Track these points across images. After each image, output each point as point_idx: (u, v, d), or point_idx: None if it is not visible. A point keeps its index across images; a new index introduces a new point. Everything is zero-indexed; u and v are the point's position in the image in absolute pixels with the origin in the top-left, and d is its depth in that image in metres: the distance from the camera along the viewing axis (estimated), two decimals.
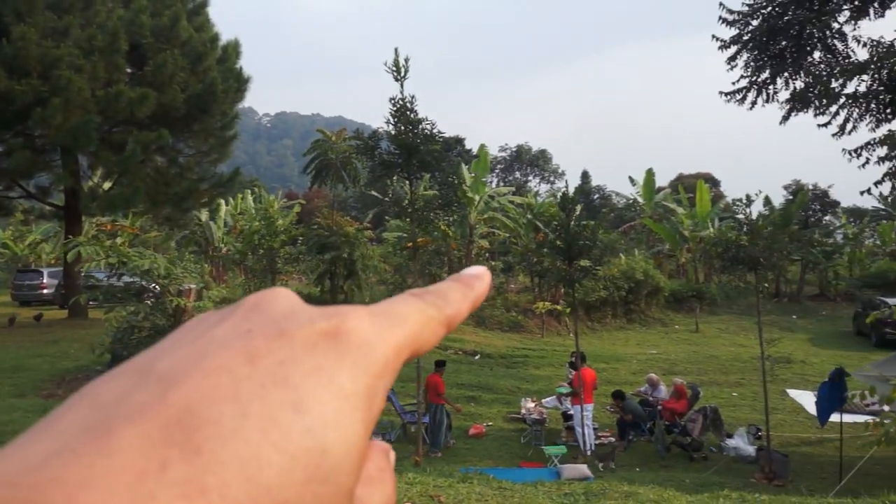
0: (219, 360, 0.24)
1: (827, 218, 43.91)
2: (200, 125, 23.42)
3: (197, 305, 10.31)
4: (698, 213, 32.97)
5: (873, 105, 13.35)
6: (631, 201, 44.78)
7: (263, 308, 0.27)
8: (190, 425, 0.21)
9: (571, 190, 14.05)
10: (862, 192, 14.27)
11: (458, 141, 63.38)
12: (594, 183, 64.82)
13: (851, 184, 14.35)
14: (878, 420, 6.35)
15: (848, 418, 11.00)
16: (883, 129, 13.51)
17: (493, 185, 61.19)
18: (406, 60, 11.86)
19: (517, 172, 69.56)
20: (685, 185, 40.52)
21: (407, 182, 12.44)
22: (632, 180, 41.08)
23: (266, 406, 0.23)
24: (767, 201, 36.72)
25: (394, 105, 11.76)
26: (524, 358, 22.35)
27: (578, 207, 27.77)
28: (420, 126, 11.88)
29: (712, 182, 61.42)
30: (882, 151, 13.33)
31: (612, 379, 18.40)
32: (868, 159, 13.43)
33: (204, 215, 32.54)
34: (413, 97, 11.79)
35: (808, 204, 40.27)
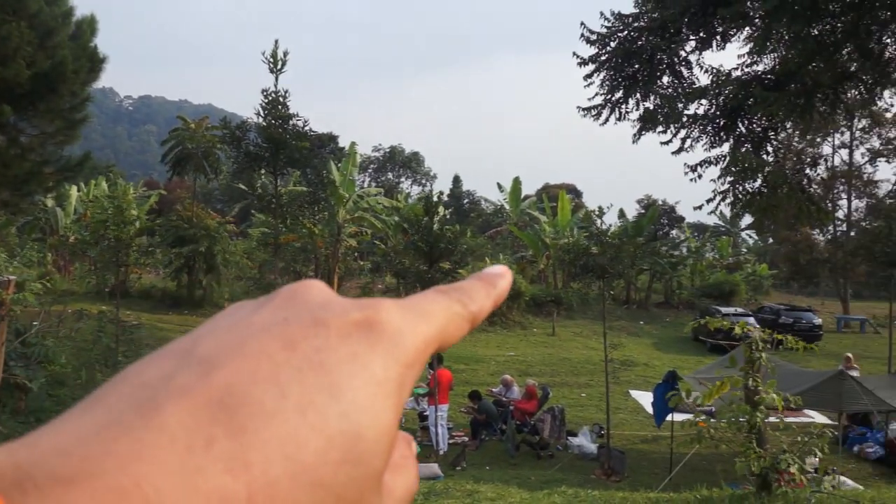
0: (258, 345, 0.25)
1: (674, 232, 47.32)
2: (47, 105, 21.57)
3: (15, 298, 9.48)
4: (559, 222, 34.53)
5: (710, 127, 14.55)
6: (499, 207, 46.19)
7: (299, 297, 0.28)
8: (232, 405, 0.22)
9: (443, 194, 14.31)
10: (695, 208, 15.52)
11: (332, 138, 62.53)
12: (465, 188, 66.21)
13: (696, 201, 15.60)
14: (697, 418, 6.95)
15: (680, 417, 11.87)
16: (717, 151, 14.76)
17: (365, 185, 61.10)
18: (285, 54, 11.61)
19: (390, 173, 69.71)
20: (550, 195, 42.24)
21: (273, 177, 12.17)
22: (500, 187, 42.41)
23: (304, 389, 0.24)
24: (622, 214, 39.13)
25: (266, 97, 11.46)
26: None
27: (443, 210, 28.43)
28: (291, 122, 11.66)
29: (575, 193, 64.51)
30: (714, 171, 14.60)
31: (471, 380, 18.86)
32: (701, 175, 14.65)
33: (50, 201, 30.13)
34: (286, 91, 11.56)
35: (658, 218, 43.16)
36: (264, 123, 10.71)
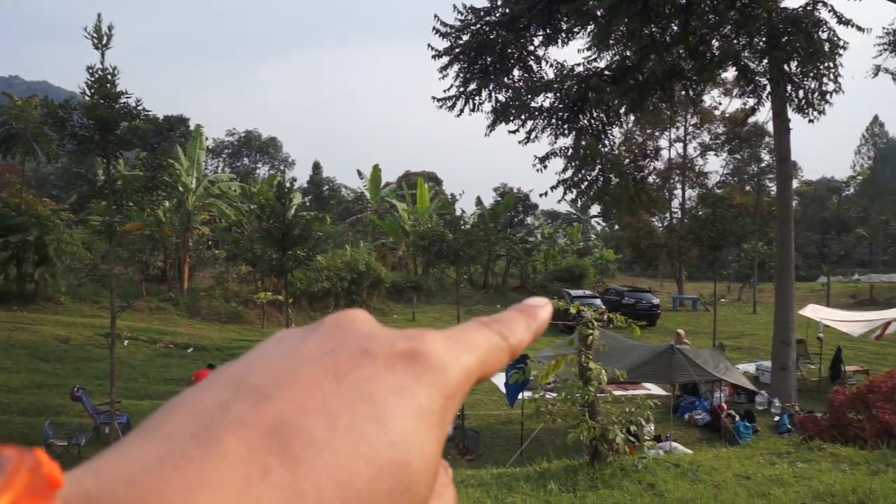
0: (308, 376, 0.26)
1: (529, 219, 49.28)
2: None
3: None
4: (418, 210, 34.91)
5: (554, 119, 15.25)
6: (359, 194, 45.94)
7: (345, 328, 0.29)
8: (286, 435, 0.23)
9: (296, 181, 13.97)
10: (541, 195, 16.25)
11: (182, 121, 59.42)
12: (326, 174, 65.12)
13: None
14: (537, 395, 7.31)
15: (529, 395, 12.41)
16: (562, 142, 15.51)
17: (219, 170, 58.53)
18: (110, 28, 10.84)
19: (246, 159, 67.22)
20: (410, 182, 42.54)
21: (105, 161, 11.34)
22: (360, 174, 42.17)
23: (354, 420, 0.24)
24: (479, 201, 40.22)
25: (92, 75, 10.66)
26: (242, 350, 21.21)
27: (300, 197, 27.87)
28: (120, 100, 10.90)
29: (435, 181, 65.37)
30: (559, 162, 15.36)
31: None
32: (546, 167, 15.36)
33: None
34: (115, 68, 10.80)
35: (513, 206, 44.74)
36: (91, 103, 9.99)
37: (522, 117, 15.40)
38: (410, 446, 0.25)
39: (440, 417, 0.27)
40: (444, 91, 16.71)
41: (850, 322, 20.00)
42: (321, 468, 0.23)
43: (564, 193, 15.55)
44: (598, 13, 14.19)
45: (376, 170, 39.92)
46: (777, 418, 14.13)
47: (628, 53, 15.35)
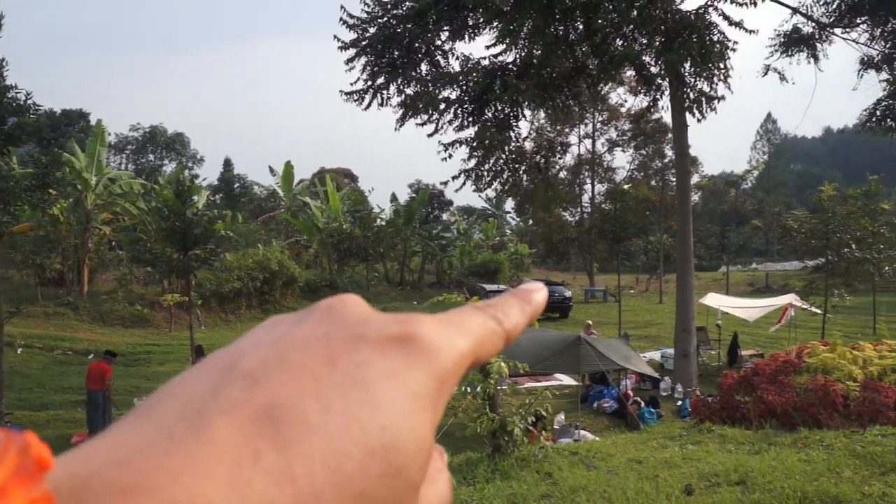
0: (301, 360, 0.26)
1: (444, 215, 49.53)
2: None
3: None
4: (331, 207, 34.45)
5: (460, 111, 15.38)
6: (271, 192, 44.95)
7: (337, 313, 0.29)
8: (278, 419, 0.23)
9: (198, 177, 13.48)
10: (442, 184, 16.41)
11: (82, 115, 56.55)
12: (237, 171, 63.32)
13: (463, 188, 16.42)
14: None
15: None
16: (467, 132, 15.68)
17: (123, 167, 56.03)
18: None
19: (151, 155, 64.59)
20: (325, 179, 42.02)
21: None
22: (272, 171, 41.25)
23: (346, 404, 0.24)
24: (394, 198, 40.09)
25: None
26: (147, 355, 20.92)
27: (204, 194, 26.91)
28: (8, 94, 10.25)
29: (351, 177, 64.78)
30: (464, 152, 15.50)
31: None
32: (451, 155, 15.48)
33: None
34: (3, 60, 10.14)
35: (428, 202, 44.84)
36: None
37: (431, 111, 15.42)
38: (402, 430, 0.25)
39: (433, 401, 0.27)
40: (352, 84, 16.52)
41: (747, 308, 21.12)
42: (313, 452, 0.23)
43: (464, 183, 15.71)
44: (505, 9, 14.35)
45: (289, 166, 39.16)
46: (679, 403, 14.74)
47: (535, 50, 15.60)
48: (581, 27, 15.25)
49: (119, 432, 0.23)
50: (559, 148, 40.95)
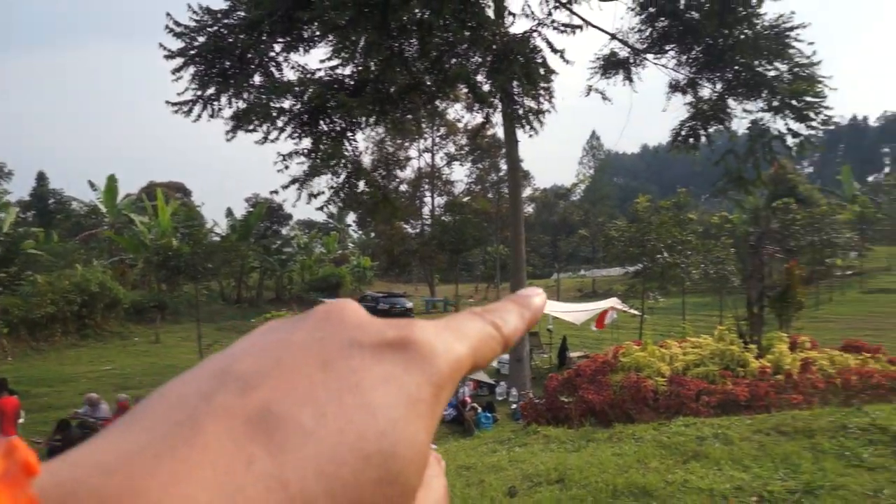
0: (295, 365, 0.25)
1: (284, 230, 48.38)
2: None
3: None
4: (160, 223, 32.49)
5: (295, 122, 15.16)
6: (92, 208, 41.65)
7: (334, 318, 0.28)
8: (271, 424, 0.23)
9: (24, 194, 12.20)
10: (272, 192, 16.13)
11: None
12: (52, 186, 57.91)
13: (302, 202, 16.04)
14: None
15: None
16: (303, 144, 15.48)
17: None
18: None
19: None
20: (154, 194, 39.61)
21: None
22: (92, 185, 38.21)
23: (341, 409, 0.24)
24: (230, 212, 38.59)
25: None
26: None
27: (13, 212, 24.39)
28: None
29: (183, 191, 61.48)
30: (301, 164, 15.30)
31: (56, 404, 16.65)
32: (288, 166, 15.23)
33: None
34: None
35: (267, 216, 43.65)
36: None
37: (265, 124, 15.06)
38: (399, 436, 0.25)
39: (430, 407, 0.27)
40: (179, 95, 15.75)
41: (575, 312, 22.49)
42: (306, 458, 0.22)
43: (299, 196, 15.51)
44: (340, 24, 14.33)
45: (112, 180, 36.47)
46: (514, 406, 15.38)
47: (371, 65, 15.71)
48: (417, 44, 15.58)
49: (108, 438, 0.22)
50: (399, 161, 41.53)
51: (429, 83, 16.57)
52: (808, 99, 15.40)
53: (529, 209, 54.04)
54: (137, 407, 0.24)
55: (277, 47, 16.23)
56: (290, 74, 16.01)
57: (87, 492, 0.20)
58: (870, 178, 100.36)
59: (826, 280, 35.81)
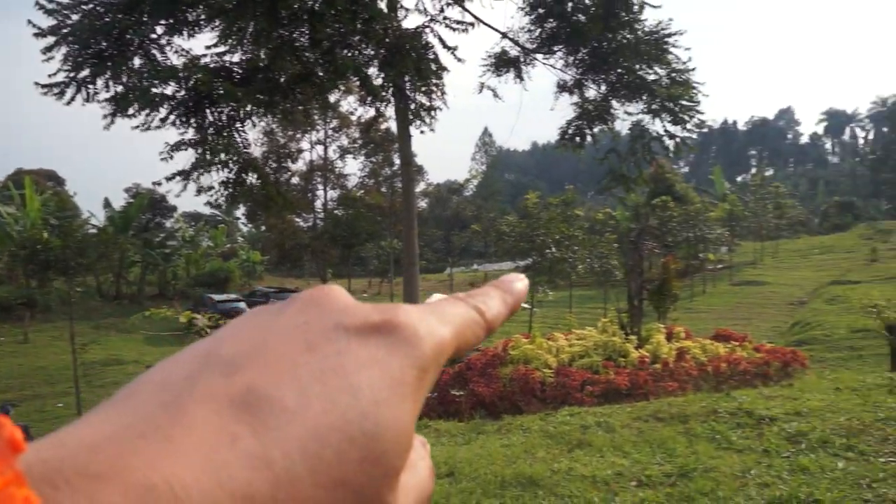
0: (280, 348, 0.26)
1: (168, 222, 46.25)
2: None
3: None
4: (28, 214, 30.22)
5: (179, 110, 14.44)
6: None
7: (318, 303, 0.29)
8: (255, 405, 0.23)
9: None
10: (154, 184, 15.33)
11: None
12: None
13: (187, 193, 15.16)
14: None
15: None
16: (189, 135, 14.74)
17: None
18: None
19: None
20: (22, 182, 36.76)
21: None
22: None
23: (325, 390, 0.24)
24: (107, 203, 36.43)
25: None
26: None
27: None
28: None
29: (56, 180, 57.55)
30: (188, 155, 14.58)
31: None
32: (172, 157, 14.45)
33: None
34: None
35: (149, 207, 41.56)
36: None
37: (145, 109, 14.24)
38: (382, 417, 0.25)
39: (414, 390, 0.27)
40: (50, 76, 14.66)
41: None
42: (291, 437, 0.23)
43: (184, 187, 14.80)
44: (227, 7, 13.77)
45: None
46: None
47: (261, 53, 15.22)
48: (308, 34, 15.22)
49: (94, 419, 0.22)
50: (290, 154, 40.60)
51: (321, 74, 16.24)
52: (684, 103, 16.28)
53: (423, 204, 54.27)
54: (122, 390, 0.25)
55: (160, 29, 15.44)
56: (174, 59, 15.25)
57: (73, 468, 0.20)
58: (738, 178, 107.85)
59: (699, 273, 38.13)
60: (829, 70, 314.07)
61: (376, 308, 0.29)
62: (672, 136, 16.82)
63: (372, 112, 17.09)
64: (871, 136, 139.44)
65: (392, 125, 23.51)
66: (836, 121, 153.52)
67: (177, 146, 14.97)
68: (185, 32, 15.55)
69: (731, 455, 5.14)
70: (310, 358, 0.25)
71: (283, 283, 43.01)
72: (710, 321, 23.63)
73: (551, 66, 18.98)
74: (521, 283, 0.37)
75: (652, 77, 16.80)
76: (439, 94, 15.10)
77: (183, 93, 14.45)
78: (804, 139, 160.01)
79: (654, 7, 16.04)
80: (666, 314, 12.99)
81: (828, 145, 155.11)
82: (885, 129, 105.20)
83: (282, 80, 15.55)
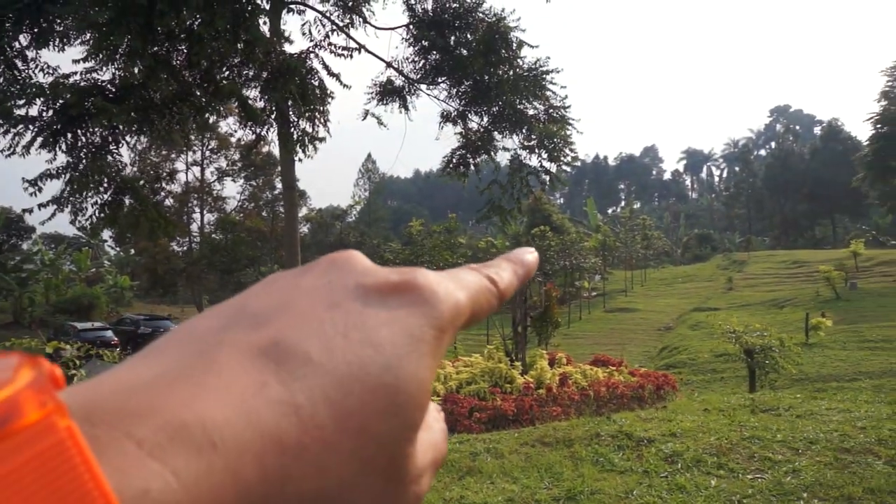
0: (305, 305, 0.27)
1: (25, 245, 42.80)
2: None
3: None
4: None
5: (47, 132, 13.48)
6: None
7: (340, 265, 0.30)
8: (281, 356, 0.24)
9: None
10: (24, 211, 14.22)
11: None
12: None
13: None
14: None
15: None
16: (59, 161, 13.76)
17: None
18: None
19: None
20: None
21: None
22: None
23: (348, 344, 0.26)
24: None
25: None
26: None
27: None
28: None
29: None
30: (57, 183, 13.57)
31: None
32: (41, 189, 13.40)
33: None
34: None
35: (5, 228, 38.34)
36: None
37: (6, 126, 13.16)
38: (403, 372, 0.26)
39: (432, 348, 0.28)
40: None
41: None
42: (315, 386, 0.24)
43: (53, 214, 13.76)
44: (100, 21, 13.05)
45: None
46: None
47: (132, 70, 14.51)
48: (186, 53, 14.69)
49: (127, 368, 0.24)
50: (165, 175, 38.83)
51: (199, 94, 15.70)
52: (558, 140, 17.05)
53: (305, 229, 53.35)
54: (151, 344, 0.26)
55: (24, 40, 14.41)
56: (38, 75, 14.23)
57: (109, 407, 0.21)
58: (610, 210, 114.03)
59: (575, 300, 39.72)
60: (688, 112, 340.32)
61: (395, 270, 0.30)
62: (547, 172, 17.55)
63: (252, 135, 16.63)
64: (724, 175, 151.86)
65: (275, 148, 23.07)
66: (695, 159, 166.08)
67: (43, 177, 13.86)
68: (52, 45, 14.63)
69: (615, 476, 5.33)
70: (333, 314, 0.27)
71: (154, 311, 40.74)
72: (587, 346, 24.57)
73: (435, 96, 19.38)
74: (531, 255, 0.38)
75: (531, 112, 17.52)
76: (322, 121, 15.00)
77: (51, 113, 13.48)
78: (667, 175, 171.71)
79: (531, 47, 16.77)
80: (548, 340, 13.39)
81: (688, 182, 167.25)
82: (736, 169, 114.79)
83: (157, 99, 14.90)
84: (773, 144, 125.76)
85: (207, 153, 43.81)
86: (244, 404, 0.22)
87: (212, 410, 0.22)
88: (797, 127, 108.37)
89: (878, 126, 37.11)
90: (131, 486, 0.19)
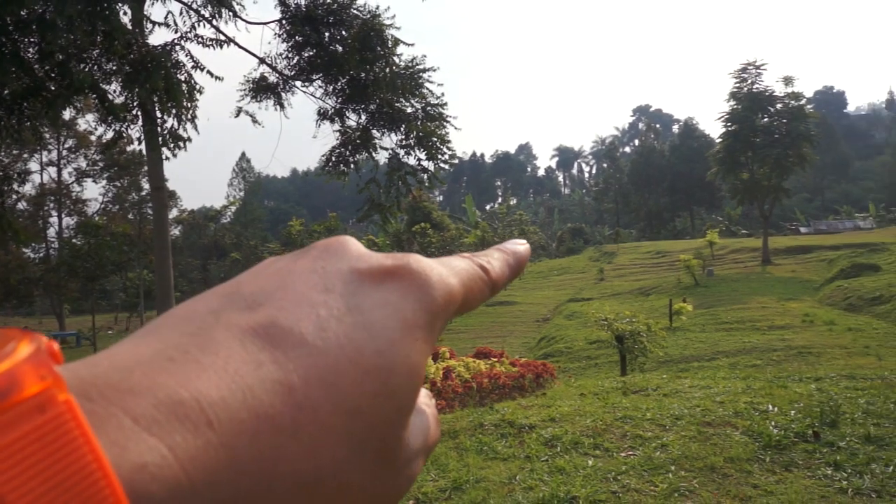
0: (300, 288, 0.27)
1: None
2: None
3: None
4: None
5: None
6: None
7: (334, 250, 0.30)
8: (276, 336, 0.25)
9: None
10: None
11: None
12: None
13: None
14: None
15: None
16: None
17: None
18: None
19: None
20: None
21: None
22: None
23: (342, 327, 0.26)
24: None
25: None
26: None
27: None
28: None
29: None
30: None
31: None
32: None
33: None
34: None
35: None
36: None
37: None
38: (396, 355, 0.26)
39: (425, 333, 0.28)
40: None
41: None
42: (310, 367, 0.24)
43: None
44: None
45: None
46: None
47: None
48: (37, 44, 13.59)
49: (124, 347, 0.24)
50: (16, 175, 35.76)
51: (52, 88, 14.57)
52: (435, 138, 17.22)
53: (176, 231, 50.90)
54: (148, 324, 0.26)
55: None
56: None
57: (106, 384, 0.21)
58: (488, 207, 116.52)
59: None
60: (559, 111, 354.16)
61: (389, 255, 0.30)
62: (425, 171, 17.68)
63: (112, 132, 15.60)
64: (593, 171, 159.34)
65: (140, 146, 21.82)
66: (566, 156, 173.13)
67: None
68: None
69: (498, 464, 5.46)
70: (327, 298, 0.27)
71: (7, 323, 37.50)
72: (470, 340, 25.03)
73: (311, 94, 19.01)
74: (522, 246, 0.38)
75: (409, 110, 17.57)
76: (190, 117, 14.34)
77: None
78: (541, 172, 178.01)
79: (407, 45, 16.83)
80: None
81: (560, 178, 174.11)
82: (604, 165, 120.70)
83: (6, 93, 13.71)
84: (636, 142, 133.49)
85: (65, 152, 40.85)
86: (239, 383, 0.23)
87: (208, 389, 0.22)
88: (658, 125, 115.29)
89: (728, 124, 40.06)
90: (128, 459, 0.19)
